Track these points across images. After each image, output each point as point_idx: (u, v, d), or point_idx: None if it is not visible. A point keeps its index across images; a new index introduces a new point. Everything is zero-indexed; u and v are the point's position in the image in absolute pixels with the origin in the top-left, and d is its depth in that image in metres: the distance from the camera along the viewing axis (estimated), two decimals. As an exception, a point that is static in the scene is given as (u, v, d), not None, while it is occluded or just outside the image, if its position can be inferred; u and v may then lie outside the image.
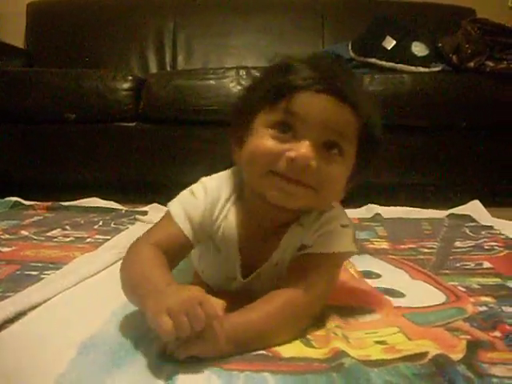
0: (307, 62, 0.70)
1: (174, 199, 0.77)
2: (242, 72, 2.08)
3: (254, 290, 0.76)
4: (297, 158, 0.65)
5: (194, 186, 0.78)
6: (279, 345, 0.66)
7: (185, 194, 0.77)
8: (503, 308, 0.80)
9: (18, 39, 2.84)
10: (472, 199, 1.82)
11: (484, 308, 0.80)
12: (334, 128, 0.67)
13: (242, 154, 0.72)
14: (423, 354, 0.62)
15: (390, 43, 2.23)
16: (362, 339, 0.68)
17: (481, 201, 1.80)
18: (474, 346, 0.65)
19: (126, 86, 2.12)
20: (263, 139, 0.68)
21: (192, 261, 0.88)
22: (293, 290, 0.69)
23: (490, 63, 2.11)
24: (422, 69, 2.19)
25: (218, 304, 0.59)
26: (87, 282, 0.94)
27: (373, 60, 2.26)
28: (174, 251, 0.73)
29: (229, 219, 0.76)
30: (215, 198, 0.76)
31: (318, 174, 0.66)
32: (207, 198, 0.75)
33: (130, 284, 0.68)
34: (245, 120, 0.72)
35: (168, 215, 0.76)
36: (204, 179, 0.78)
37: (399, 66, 2.20)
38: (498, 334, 0.69)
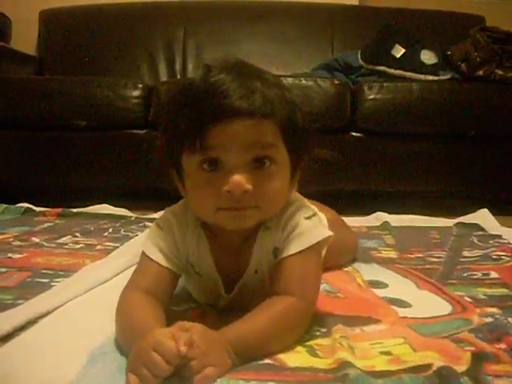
0: (209, 86, 0.67)
1: (145, 239, 0.79)
2: (251, 80, 2.09)
3: (242, 302, 0.77)
4: (231, 189, 0.66)
5: (159, 219, 0.80)
6: (281, 352, 0.67)
7: (152, 229, 0.79)
8: (509, 319, 0.80)
9: (30, 47, 2.88)
10: (481, 207, 1.81)
11: (490, 319, 0.80)
12: (255, 143, 0.67)
13: (187, 197, 0.75)
14: (427, 366, 0.62)
15: (399, 51, 2.24)
16: (367, 350, 0.69)
17: (490, 209, 1.79)
18: (478, 358, 0.65)
19: (136, 93, 2.15)
20: (199, 186, 0.70)
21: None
22: (288, 297, 0.70)
23: (500, 71, 2.12)
24: (430, 77, 2.20)
25: (179, 338, 0.57)
26: (97, 290, 0.95)
27: (382, 68, 2.27)
28: (164, 287, 0.75)
29: (201, 242, 0.78)
30: (183, 224, 0.78)
31: (258, 193, 0.68)
32: (174, 227, 0.77)
33: (120, 333, 0.70)
34: (173, 159, 0.73)
35: (144, 256, 0.77)
36: (167, 209, 0.81)
37: (408, 74, 2.21)
38: (503, 345, 0.69)
